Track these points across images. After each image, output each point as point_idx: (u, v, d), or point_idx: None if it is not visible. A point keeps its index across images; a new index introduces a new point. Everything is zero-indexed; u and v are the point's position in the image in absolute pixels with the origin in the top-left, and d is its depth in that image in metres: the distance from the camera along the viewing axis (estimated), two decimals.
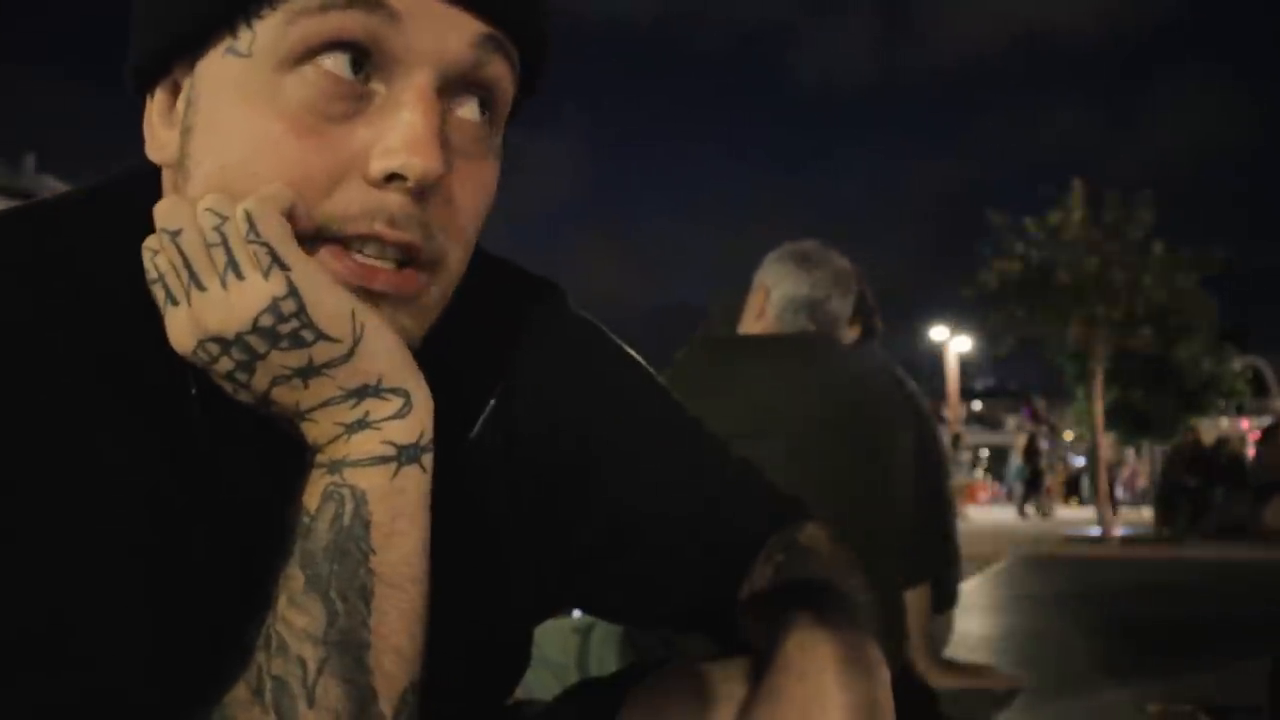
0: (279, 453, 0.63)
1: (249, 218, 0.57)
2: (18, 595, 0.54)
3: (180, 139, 0.62)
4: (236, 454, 0.63)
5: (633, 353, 0.86)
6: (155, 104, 0.65)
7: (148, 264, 0.60)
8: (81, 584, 0.55)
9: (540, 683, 1.64)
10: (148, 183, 0.67)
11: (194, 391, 0.61)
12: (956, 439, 28.35)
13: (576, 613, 1.68)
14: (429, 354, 0.66)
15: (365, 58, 0.59)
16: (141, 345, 0.61)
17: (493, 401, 0.72)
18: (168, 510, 0.59)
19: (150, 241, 0.60)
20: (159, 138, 0.65)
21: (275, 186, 0.58)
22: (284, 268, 0.57)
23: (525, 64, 0.66)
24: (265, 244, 0.57)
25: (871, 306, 2.44)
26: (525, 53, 0.65)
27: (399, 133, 0.59)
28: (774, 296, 2.05)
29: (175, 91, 0.64)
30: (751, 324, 2.09)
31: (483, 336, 0.74)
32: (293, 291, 0.57)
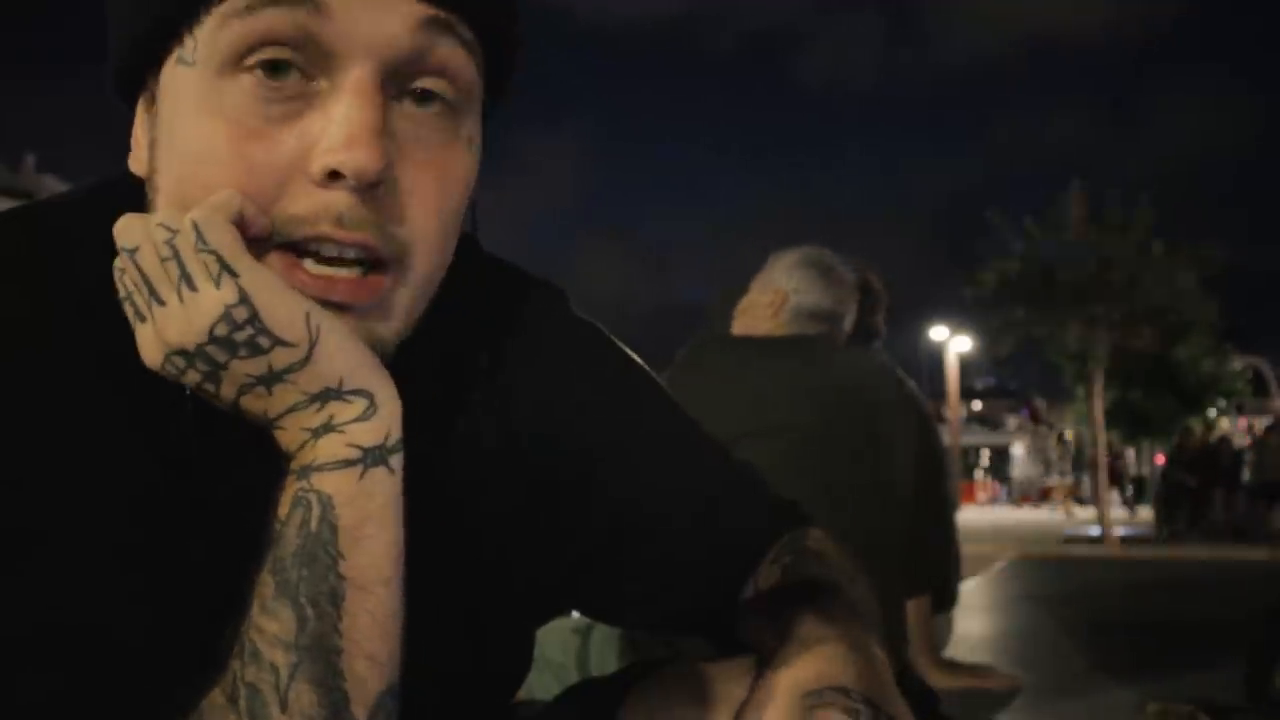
0: (272, 456, 0.63)
1: (196, 227, 0.56)
2: (9, 595, 0.54)
3: (148, 152, 0.62)
4: (230, 456, 0.63)
5: (634, 355, 0.85)
6: (138, 116, 0.65)
7: (118, 283, 0.59)
8: (73, 584, 0.55)
9: (540, 683, 1.64)
10: (142, 184, 0.67)
11: (188, 393, 0.61)
12: (1060, 437, 27.86)
13: (577, 612, 1.68)
14: (428, 357, 0.65)
15: (300, 54, 0.58)
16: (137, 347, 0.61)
17: (486, 399, 0.72)
18: (161, 512, 0.59)
19: (117, 261, 0.59)
20: (138, 151, 0.64)
21: (225, 193, 0.57)
22: (233, 274, 0.56)
23: (491, 45, 0.64)
24: (213, 252, 0.56)
25: (878, 306, 2.43)
26: (486, 33, 0.63)
27: (335, 129, 0.57)
28: (793, 302, 2.06)
29: (153, 102, 0.63)
30: (760, 325, 2.09)
31: (483, 338, 0.73)
32: (244, 298, 0.56)
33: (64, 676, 0.54)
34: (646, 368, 0.85)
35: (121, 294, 0.59)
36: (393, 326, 0.62)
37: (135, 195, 0.66)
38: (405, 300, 0.62)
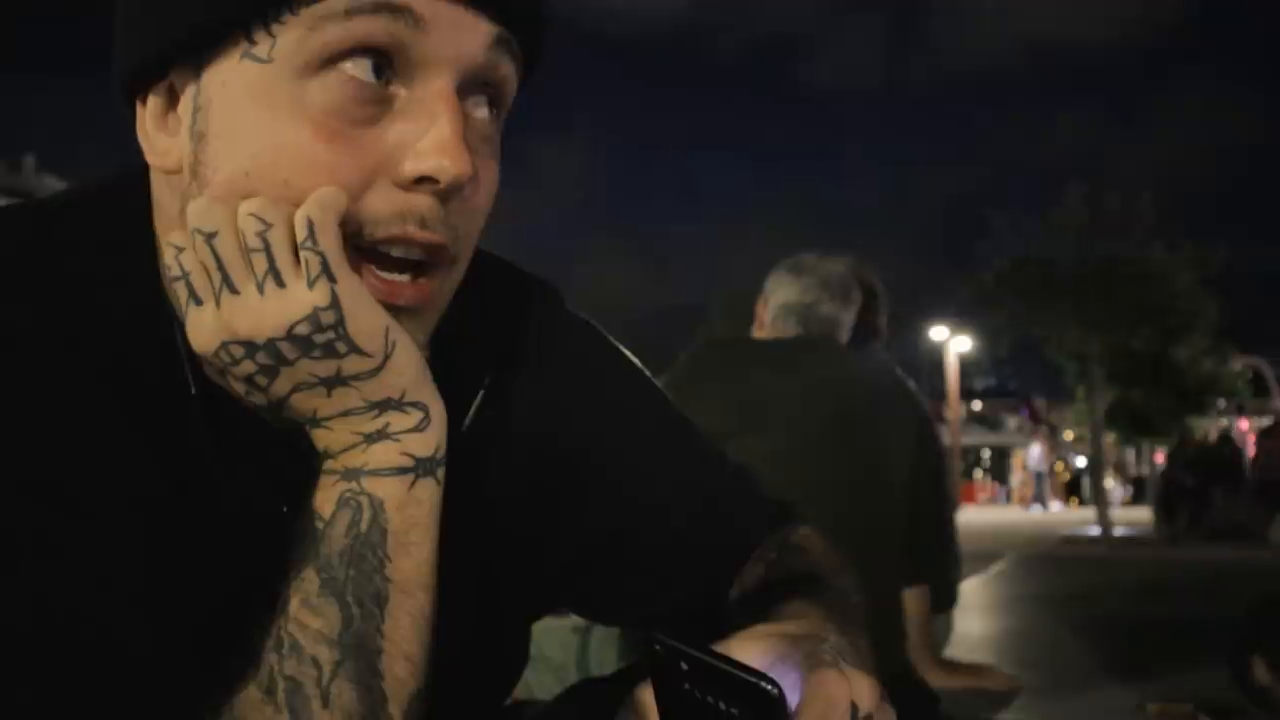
0: (278, 455, 0.63)
1: (310, 225, 0.57)
2: (17, 598, 0.54)
3: (191, 145, 0.61)
4: (235, 455, 0.63)
5: (628, 354, 0.85)
6: (149, 110, 0.64)
7: (170, 260, 0.59)
8: (78, 587, 0.55)
9: (540, 683, 1.64)
10: (138, 184, 0.66)
11: (193, 392, 0.61)
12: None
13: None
14: (433, 356, 0.65)
15: (388, 62, 0.59)
16: (140, 347, 0.61)
17: (481, 392, 0.72)
18: (165, 513, 0.59)
19: (176, 238, 0.59)
20: (158, 144, 0.63)
21: (331, 192, 0.58)
22: (332, 279, 0.57)
23: (526, 61, 0.66)
24: (320, 254, 0.57)
25: (879, 307, 2.44)
26: (527, 51, 0.66)
27: (430, 136, 0.59)
28: (770, 304, 2.14)
29: (171, 96, 0.63)
30: (756, 332, 2.17)
31: (478, 336, 0.74)
32: (335, 304, 0.57)
33: (67, 679, 0.54)
34: (641, 366, 0.86)
35: (174, 272, 0.59)
36: (427, 329, 0.64)
37: (138, 194, 0.65)
38: (440, 301, 0.64)
